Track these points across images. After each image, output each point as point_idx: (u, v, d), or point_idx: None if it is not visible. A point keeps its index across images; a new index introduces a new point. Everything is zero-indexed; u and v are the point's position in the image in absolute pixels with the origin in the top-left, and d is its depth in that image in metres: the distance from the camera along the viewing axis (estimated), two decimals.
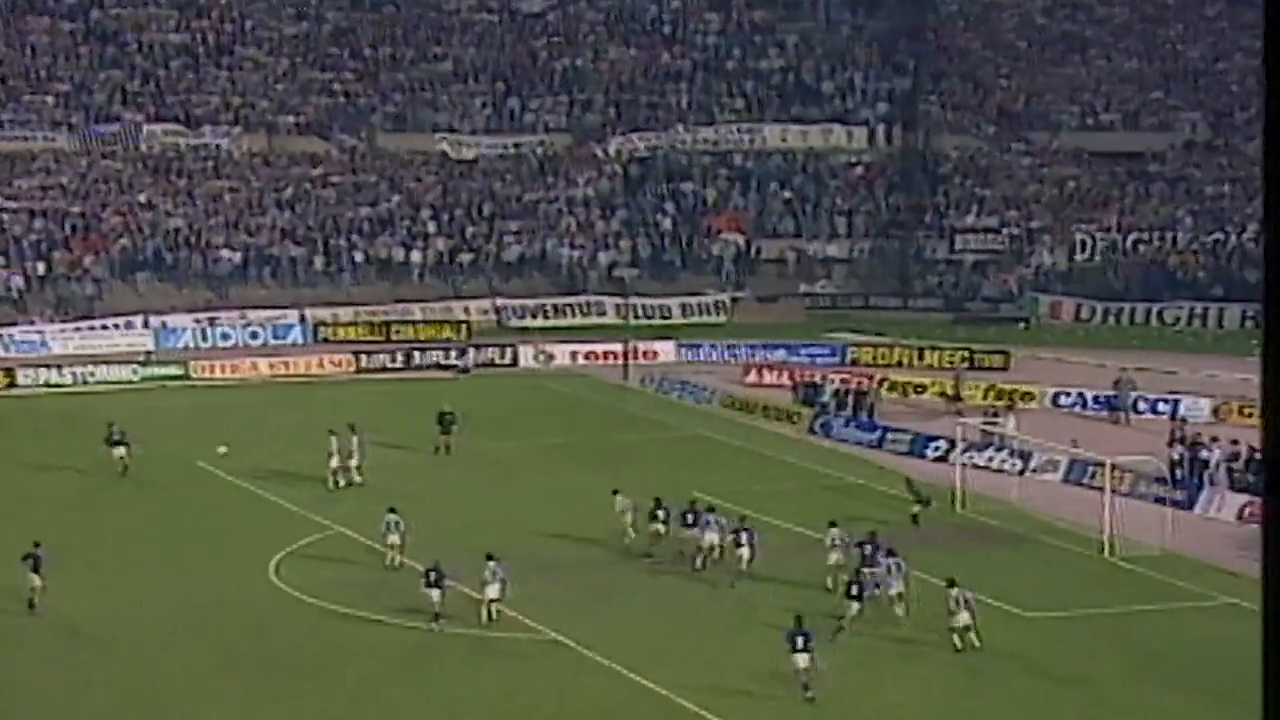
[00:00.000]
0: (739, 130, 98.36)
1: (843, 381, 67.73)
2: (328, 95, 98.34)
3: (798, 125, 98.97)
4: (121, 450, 52.95)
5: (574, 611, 40.16)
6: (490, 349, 77.37)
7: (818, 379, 68.40)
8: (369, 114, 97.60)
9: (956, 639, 38.53)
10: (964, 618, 38.42)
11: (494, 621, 38.99)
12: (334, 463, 51.43)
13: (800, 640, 34.96)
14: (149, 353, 73.93)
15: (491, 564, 39.70)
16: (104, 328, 78.51)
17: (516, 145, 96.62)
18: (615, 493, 46.23)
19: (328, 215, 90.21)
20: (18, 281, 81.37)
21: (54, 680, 36.12)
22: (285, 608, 40.13)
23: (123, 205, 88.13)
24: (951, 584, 38.84)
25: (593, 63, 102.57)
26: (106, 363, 73.40)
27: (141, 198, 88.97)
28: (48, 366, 72.69)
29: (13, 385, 70.83)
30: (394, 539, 43.82)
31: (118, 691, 35.48)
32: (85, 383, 71.54)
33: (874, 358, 74.41)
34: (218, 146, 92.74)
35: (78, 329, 78.19)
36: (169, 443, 57.77)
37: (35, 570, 39.48)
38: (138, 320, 79.05)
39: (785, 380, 70.11)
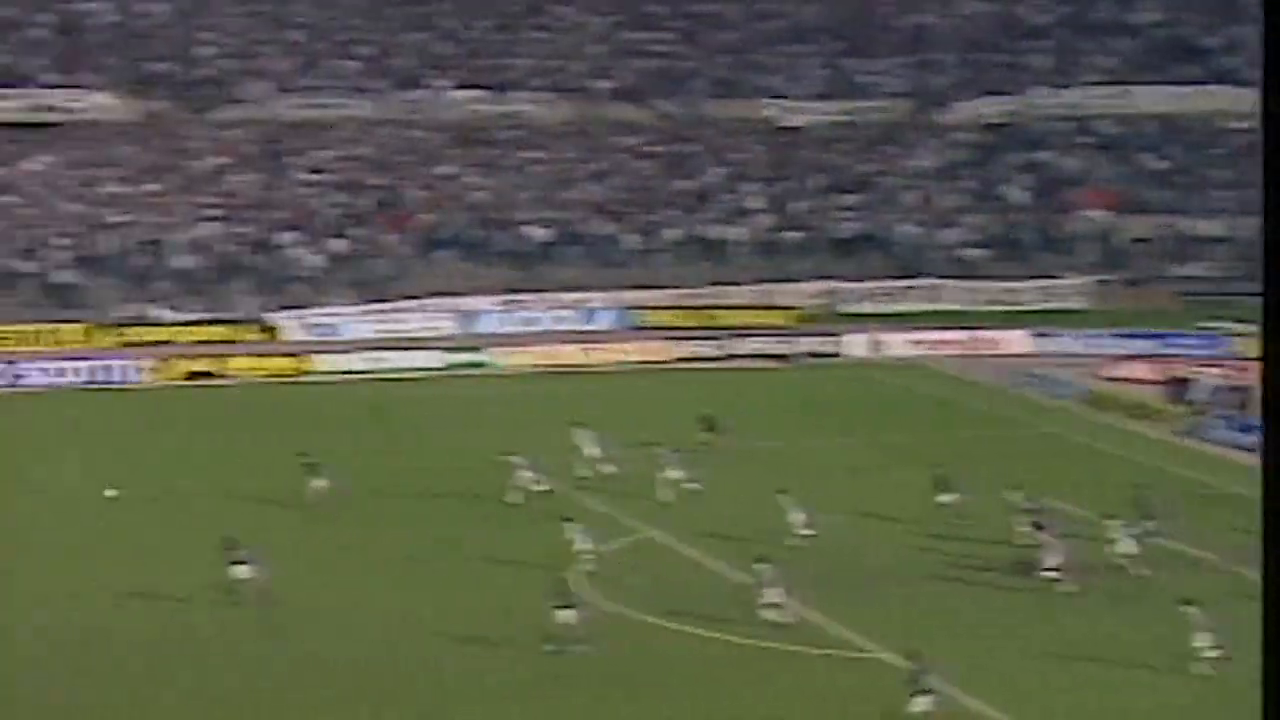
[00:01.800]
0: (1105, 93, 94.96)
1: (1223, 377, 64.58)
2: (647, 58, 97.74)
3: (1173, 87, 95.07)
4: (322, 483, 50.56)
5: (901, 627, 38.22)
6: (818, 337, 75.72)
7: (1191, 374, 65.52)
8: (691, 78, 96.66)
9: None
10: None
11: (783, 626, 37.92)
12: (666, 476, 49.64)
13: None
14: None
15: (764, 566, 38.76)
16: (402, 311, 78.99)
17: (852, 112, 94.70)
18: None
19: (643, 189, 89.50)
20: (316, 260, 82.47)
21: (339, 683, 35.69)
22: (597, 618, 39.11)
23: (425, 178, 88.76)
24: None
25: (941, 19, 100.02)
26: (405, 349, 73.80)
27: (445, 170, 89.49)
28: (344, 352, 73.36)
29: (308, 371, 71.64)
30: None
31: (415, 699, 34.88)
32: (382, 370, 71.98)
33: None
34: (527, 114, 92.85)
35: (375, 312, 78.81)
36: (463, 437, 57.42)
37: (241, 563, 40.31)
38: (436, 303, 79.35)
39: (1154, 375, 67.48)
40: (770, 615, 38.38)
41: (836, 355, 74.81)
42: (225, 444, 58.04)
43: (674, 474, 49.25)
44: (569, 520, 43.37)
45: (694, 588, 41.64)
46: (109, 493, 49.97)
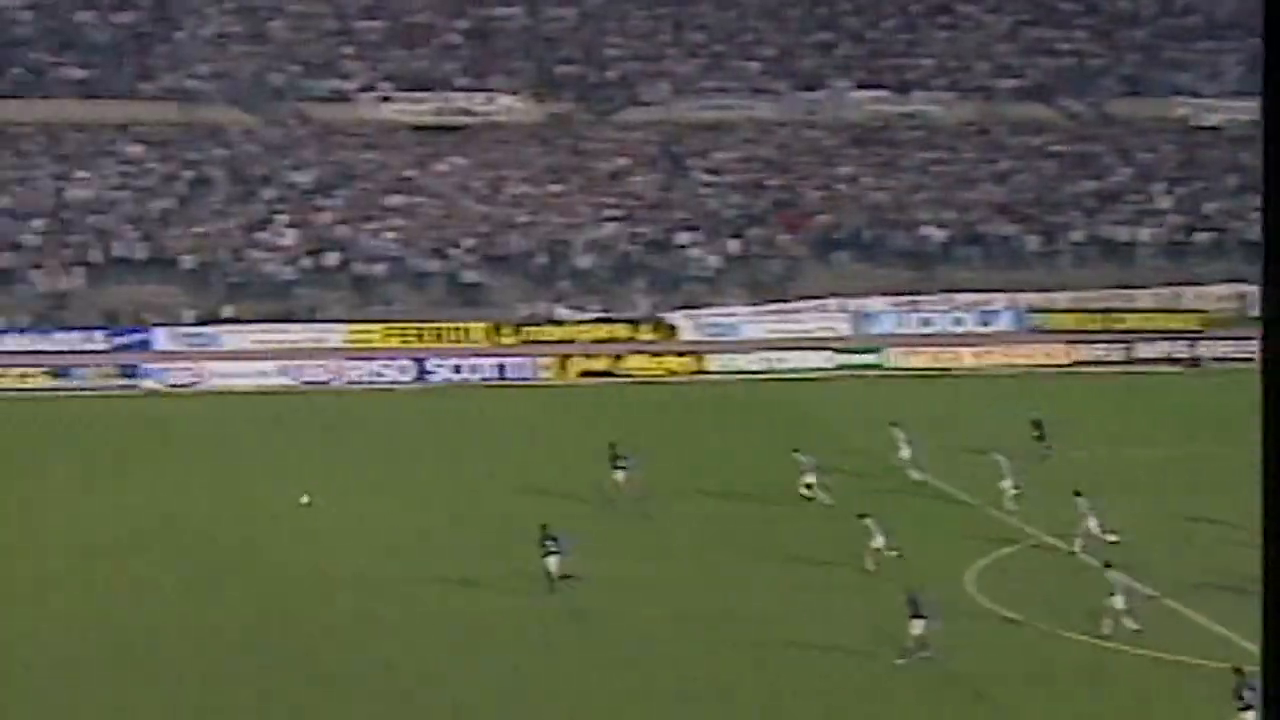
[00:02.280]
0: None
1: None
2: (1055, 56, 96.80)
3: None
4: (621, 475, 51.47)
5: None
6: (1229, 342, 73.96)
7: None
8: (1099, 76, 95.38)
9: None
10: None
11: (1138, 632, 37.62)
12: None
13: None
14: None
15: (1113, 573, 38.51)
16: (796, 311, 79.91)
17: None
18: None
19: (1047, 189, 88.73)
20: (713, 260, 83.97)
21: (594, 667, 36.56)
22: (983, 623, 39.29)
23: (824, 179, 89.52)
24: None
25: None
26: (798, 349, 74.68)
27: (844, 170, 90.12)
28: (739, 352, 74.60)
29: (702, 371, 73.10)
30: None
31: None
32: (776, 370, 73.02)
33: None
34: (929, 114, 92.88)
35: (771, 312, 79.89)
36: (857, 438, 57.92)
37: (553, 553, 41.36)
38: (832, 303, 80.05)
39: None
40: (1120, 621, 38.19)
41: (1250, 360, 72.98)
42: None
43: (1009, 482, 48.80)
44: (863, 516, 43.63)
45: (1064, 592, 41.47)
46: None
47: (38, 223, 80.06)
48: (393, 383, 71.10)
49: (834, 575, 43.27)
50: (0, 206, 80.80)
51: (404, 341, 75.54)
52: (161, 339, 74.48)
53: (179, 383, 70.04)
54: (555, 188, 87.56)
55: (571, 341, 76.37)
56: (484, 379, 71.94)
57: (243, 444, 60.23)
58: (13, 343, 73.17)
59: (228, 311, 77.00)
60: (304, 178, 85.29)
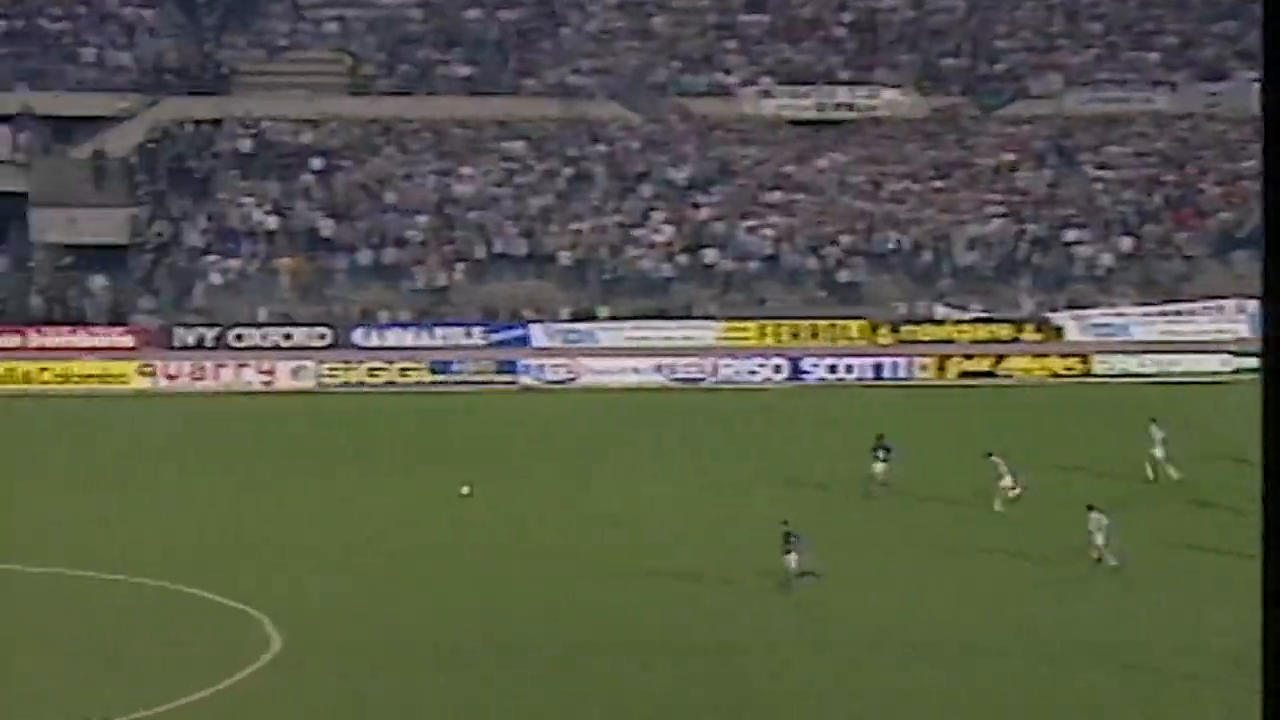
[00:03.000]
0: None
1: None
2: None
3: None
4: (881, 466, 52.22)
5: None
6: None
7: None
8: None
9: None
10: None
11: None
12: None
13: None
14: None
15: None
16: (1191, 312, 77.72)
17: None
18: None
19: None
20: (1105, 259, 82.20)
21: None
22: None
23: (1224, 174, 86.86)
24: None
25: None
26: (1193, 352, 72.67)
27: (1247, 165, 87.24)
28: (1127, 353, 72.91)
29: (1088, 374, 71.71)
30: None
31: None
32: (1167, 373, 71.23)
33: None
34: None
35: (1163, 313, 77.87)
36: (1254, 446, 56.04)
37: (791, 551, 42.42)
38: (1230, 304, 77.60)
39: None
40: None
41: None
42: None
43: None
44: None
45: None
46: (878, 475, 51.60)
47: (422, 219, 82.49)
48: (766, 381, 71.35)
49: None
50: (386, 202, 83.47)
51: (779, 340, 75.69)
52: (538, 335, 75.99)
53: (554, 379, 71.44)
54: (938, 183, 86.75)
55: (951, 341, 75.58)
56: (859, 379, 71.68)
57: (616, 440, 61.13)
58: (394, 337, 75.51)
59: (603, 308, 78.18)
60: (682, 174, 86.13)
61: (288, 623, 40.50)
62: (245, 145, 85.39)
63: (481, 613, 41.86)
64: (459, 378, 71.04)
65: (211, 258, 79.76)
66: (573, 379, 71.50)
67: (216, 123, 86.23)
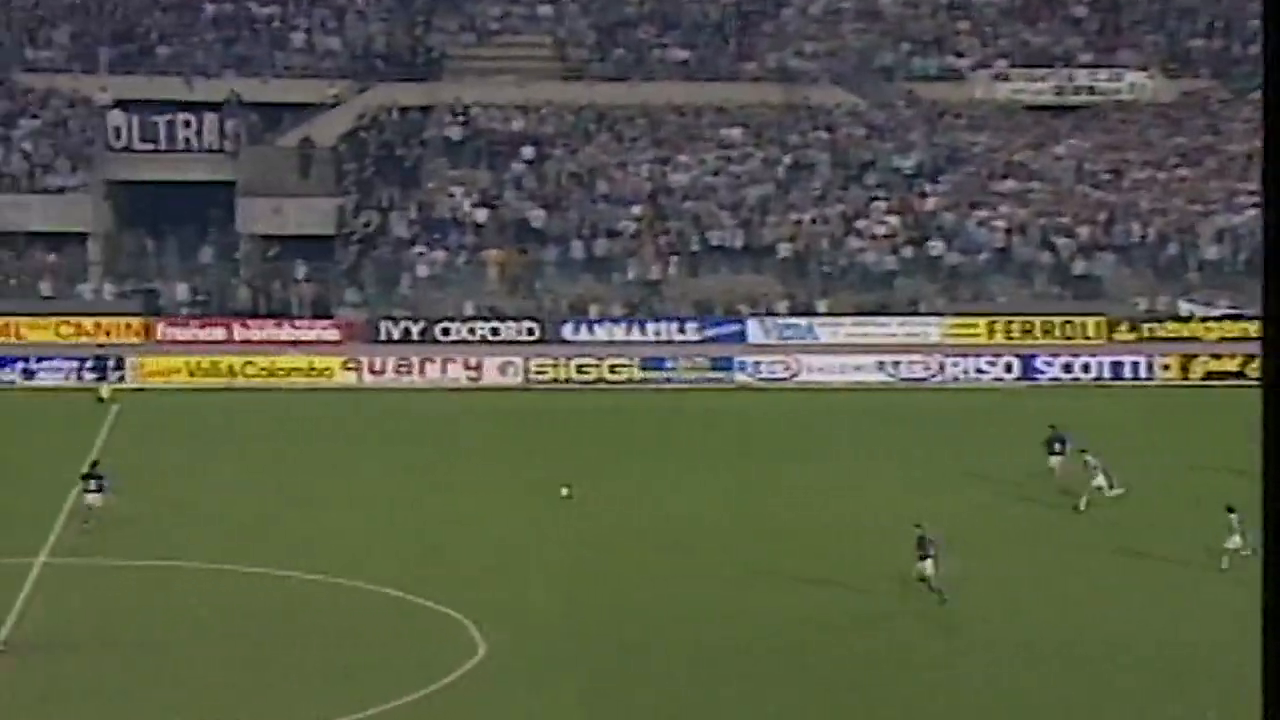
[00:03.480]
0: None
1: None
2: None
3: None
4: (1057, 460, 53.52)
5: None
6: None
7: None
8: None
9: None
10: None
11: None
12: None
13: None
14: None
15: None
16: None
17: None
18: None
19: None
20: None
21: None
22: None
23: None
24: None
25: None
26: None
27: None
28: None
29: None
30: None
31: None
32: None
33: None
34: None
35: None
36: None
37: (927, 557, 43.11)
38: None
39: None
40: None
41: None
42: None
43: None
44: None
45: None
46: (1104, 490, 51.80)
47: (635, 209, 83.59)
48: (996, 381, 71.38)
49: None
50: (598, 192, 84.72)
51: (1009, 337, 75.68)
52: (755, 331, 76.73)
53: (772, 376, 72.07)
54: (1184, 171, 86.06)
55: (1196, 339, 75.03)
56: (1096, 379, 71.48)
57: (837, 441, 61.65)
58: (605, 332, 76.68)
59: (823, 303, 78.72)
60: (909, 162, 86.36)
61: (494, 628, 41.59)
62: (455, 133, 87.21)
63: (713, 614, 42.75)
64: (671, 375, 71.95)
65: (418, 249, 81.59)
66: (791, 376, 72.11)
67: (426, 109, 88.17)
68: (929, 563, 43.07)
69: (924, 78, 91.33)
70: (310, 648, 41.13)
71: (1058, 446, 53.58)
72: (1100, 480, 50.76)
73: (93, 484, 50.06)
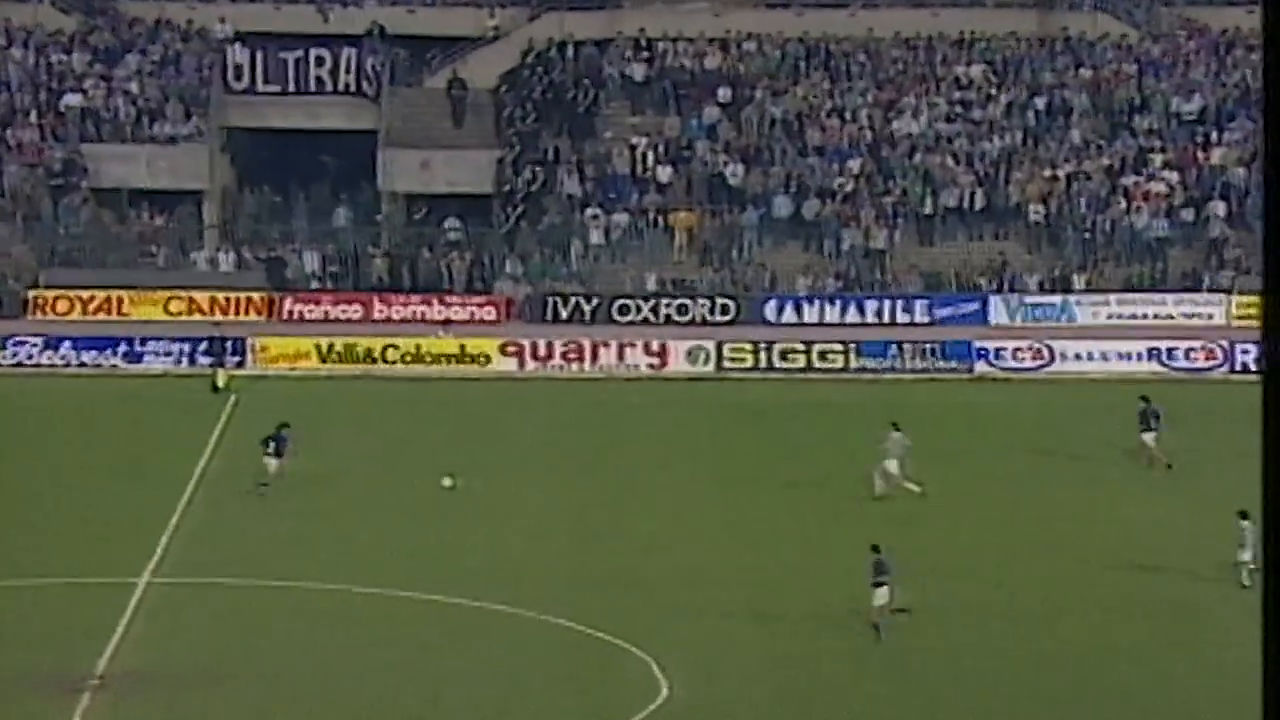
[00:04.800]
0: None
1: None
2: None
3: None
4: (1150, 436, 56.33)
5: None
6: None
7: None
8: None
9: None
10: None
11: None
12: None
13: None
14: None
15: None
16: None
17: None
18: None
19: None
20: None
21: None
22: None
23: None
24: None
25: None
26: None
27: None
28: None
29: None
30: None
31: None
32: None
33: None
34: None
35: None
36: None
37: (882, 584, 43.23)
38: None
39: None
40: None
41: None
42: None
43: None
44: None
45: None
46: None
47: (853, 164, 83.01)
48: None
49: None
50: (809, 143, 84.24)
51: None
52: (998, 309, 76.02)
53: (1019, 365, 71.25)
54: None
55: None
56: None
57: (1100, 441, 60.82)
58: (815, 312, 76.29)
59: (1082, 277, 77.81)
60: (1190, 105, 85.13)
61: (679, 667, 41.38)
62: (636, 71, 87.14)
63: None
64: (894, 364, 71.29)
65: (591, 211, 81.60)
66: (1043, 365, 71.22)
67: (602, 44, 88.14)
68: (883, 590, 42.84)
69: (1210, 2, 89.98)
70: (464, 684, 41.09)
71: (1153, 422, 56.64)
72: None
73: (271, 446, 54.23)
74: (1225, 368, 70.75)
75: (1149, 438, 56.76)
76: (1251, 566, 44.26)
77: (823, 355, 71.88)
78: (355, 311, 76.98)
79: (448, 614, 45.55)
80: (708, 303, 76.74)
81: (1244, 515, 44.04)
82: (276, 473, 54.10)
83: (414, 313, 76.50)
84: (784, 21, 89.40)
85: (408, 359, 71.81)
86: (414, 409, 65.98)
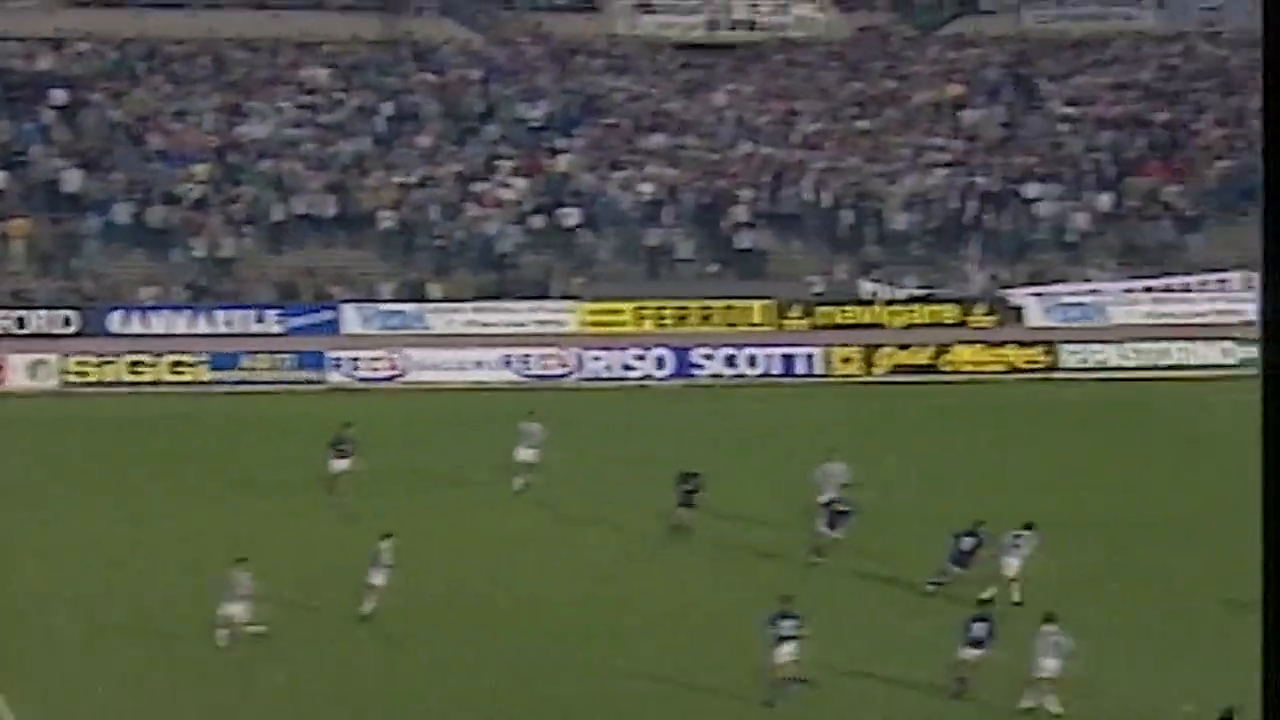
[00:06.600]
0: None
1: None
2: None
3: None
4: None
5: None
6: None
7: None
8: None
9: None
10: None
11: None
12: None
13: None
14: None
15: None
16: (1186, 289, 78.95)
17: None
18: None
19: None
20: (1075, 220, 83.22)
21: None
22: None
23: (1222, 111, 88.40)
24: None
25: None
26: (1187, 339, 73.61)
27: (1254, 102, 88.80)
28: (1103, 342, 73.75)
29: (1054, 367, 72.44)
30: None
31: None
32: (1156, 366, 72.26)
33: None
34: None
35: (1148, 289, 79.11)
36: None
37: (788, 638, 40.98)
38: (1235, 279, 78.74)
39: None
40: None
41: None
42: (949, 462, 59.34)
43: None
44: None
45: None
46: None
47: (198, 168, 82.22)
48: (646, 378, 71.63)
49: None
50: (151, 147, 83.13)
51: (661, 325, 76.21)
52: (351, 319, 76.05)
53: (371, 375, 71.37)
54: (863, 124, 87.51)
55: (881, 326, 76.31)
56: (765, 374, 72.11)
57: (454, 454, 60.88)
58: (164, 322, 75.29)
59: (436, 286, 78.33)
60: (536, 111, 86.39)
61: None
62: None
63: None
64: (246, 375, 70.87)
65: None
66: (396, 375, 71.45)
67: None
68: (787, 648, 40.70)
69: (552, 8, 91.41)
70: None
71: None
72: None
73: (339, 448, 53.92)
74: (576, 375, 71.84)
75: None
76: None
77: (174, 368, 70.90)
78: None
79: None
80: (48, 315, 75.07)
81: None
82: (346, 473, 53.67)
83: None
84: (121, 21, 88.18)
85: None
86: None
